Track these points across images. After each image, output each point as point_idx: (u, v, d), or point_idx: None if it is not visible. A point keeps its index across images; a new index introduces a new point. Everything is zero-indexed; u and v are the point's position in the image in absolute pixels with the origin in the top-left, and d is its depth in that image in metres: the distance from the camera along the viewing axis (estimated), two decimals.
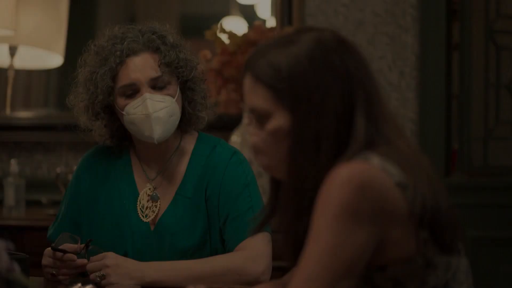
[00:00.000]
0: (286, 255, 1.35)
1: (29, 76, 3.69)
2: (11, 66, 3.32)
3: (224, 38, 3.02)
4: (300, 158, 1.29)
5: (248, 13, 3.67)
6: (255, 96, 1.31)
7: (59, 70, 3.52)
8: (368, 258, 1.24)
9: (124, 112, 1.88)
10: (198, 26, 3.21)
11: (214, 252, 1.90)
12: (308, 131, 1.28)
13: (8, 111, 3.48)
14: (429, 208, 1.26)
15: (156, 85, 1.88)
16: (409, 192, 1.25)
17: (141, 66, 1.87)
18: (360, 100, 1.29)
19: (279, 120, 1.30)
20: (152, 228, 1.93)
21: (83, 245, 1.84)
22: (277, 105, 1.30)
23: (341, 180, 1.22)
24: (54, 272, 1.84)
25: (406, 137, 1.34)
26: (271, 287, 1.62)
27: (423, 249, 1.25)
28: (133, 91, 1.88)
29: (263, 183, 3.00)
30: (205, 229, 1.91)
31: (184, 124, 1.97)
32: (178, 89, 1.92)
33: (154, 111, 1.86)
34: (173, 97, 1.89)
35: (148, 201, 1.94)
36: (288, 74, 1.28)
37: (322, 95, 1.27)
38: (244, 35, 2.99)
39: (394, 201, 1.23)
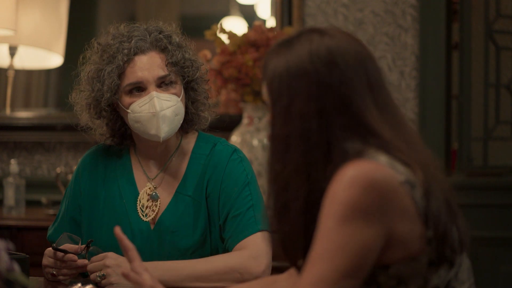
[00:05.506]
0: (286, 255, 1.37)
1: (29, 76, 3.69)
2: (11, 66, 3.32)
3: (224, 38, 3.02)
4: (272, 156, 1.34)
5: (248, 13, 3.67)
6: (264, 89, 1.39)
7: (59, 70, 3.53)
8: (376, 256, 1.24)
9: (129, 110, 1.88)
10: (198, 26, 3.21)
11: (214, 251, 1.90)
12: (278, 131, 1.33)
13: (8, 111, 3.48)
14: (437, 207, 1.26)
15: (163, 84, 1.88)
16: (416, 190, 1.26)
17: (148, 65, 1.88)
18: (336, 104, 1.29)
19: (269, 115, 1.38)
20: (152, 227, 1.93)
21: (84, 246, 1.84)
22: (269, 102, 1.37)
23: (348, 179, 1.23)
24: (54, 272, 1.84)
25: (408, 133, 1.34)
26: (262, 284, 1.63)
27: (427, 248, 1.26)
28: (139, 89, 1.88)
29: (263, 183, 3.00)
30: (205, 227, 1.91)
31: (186, 123, 1.97)
32: (182, 89, 1.92)
33: (161, 110, 1.86)
34: (179, 96, 1.89)
35: (148, 200, 1.95)
36: (270, 76, 1.35)
37: (289, 98, 1.31)
38: (244, 35, 2.99)
39: (402, 198, 1.24)
